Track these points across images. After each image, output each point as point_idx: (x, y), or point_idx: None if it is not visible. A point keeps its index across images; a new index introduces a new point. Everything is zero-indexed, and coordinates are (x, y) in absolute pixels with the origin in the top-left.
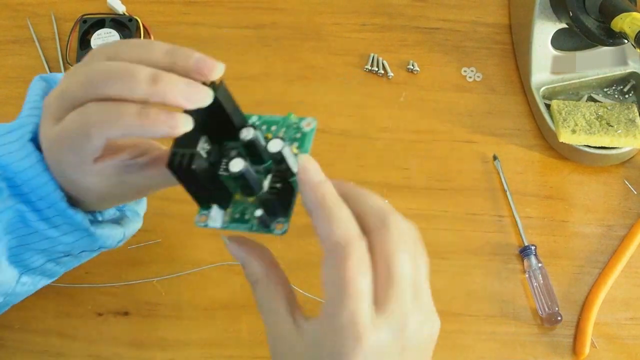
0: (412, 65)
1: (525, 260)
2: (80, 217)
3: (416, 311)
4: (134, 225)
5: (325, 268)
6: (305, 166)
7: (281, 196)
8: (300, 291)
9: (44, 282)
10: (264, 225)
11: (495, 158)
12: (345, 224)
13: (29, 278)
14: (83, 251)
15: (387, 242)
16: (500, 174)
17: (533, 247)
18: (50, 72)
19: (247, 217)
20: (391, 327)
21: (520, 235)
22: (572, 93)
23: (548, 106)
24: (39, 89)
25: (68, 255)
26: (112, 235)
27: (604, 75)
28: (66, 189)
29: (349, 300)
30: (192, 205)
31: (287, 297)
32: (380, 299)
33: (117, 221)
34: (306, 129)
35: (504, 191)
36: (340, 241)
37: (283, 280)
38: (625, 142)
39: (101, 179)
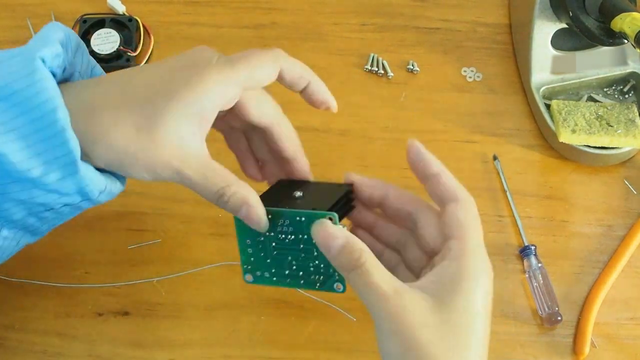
0: (412, 65)
1: (525, 260)
2: (74, 143)
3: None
4: (117, 184)
5: (459, 212)
6: None
7: None
8: (300, 291)
9: (26, 239)
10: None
11: (495, 158)
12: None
13: (10, 232)
14: (65, 205)
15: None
16: (500, 174)
17: (533, 247)
18: None
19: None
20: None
21: (521, 235)
22: (572, 93)
23: (548, 106)
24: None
25: (49, 210)
26: (96, 181)
27: (604, 75)
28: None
29: (478, 230)
30: (192, 206)
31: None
32: None
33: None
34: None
35: (504, 191)
36: (466, 193)
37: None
38: (625, 142)
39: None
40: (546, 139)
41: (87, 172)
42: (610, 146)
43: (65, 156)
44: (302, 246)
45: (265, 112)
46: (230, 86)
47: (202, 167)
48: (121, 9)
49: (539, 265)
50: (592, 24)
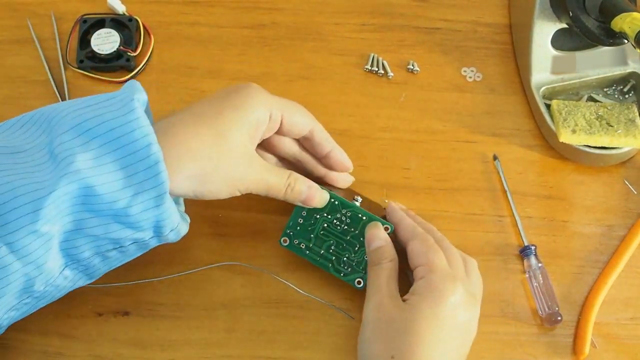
0: (412, 65)
1: (525, 260)
2: (165, 176)
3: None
4: (185, 225)
5: (416, 245)
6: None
7: None
8: (300, 291)
9: (82, 281)
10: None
11: (495, 158)
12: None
13: (71, 272)
14: (134, 242)
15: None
16: (500, 174)
17: (533, 247)
18: (51, 72)
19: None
20: (460, 282)
21: (521, 235)
22: (572, 93)
23: (548, 106)
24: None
25: (117, 248)
26: (173, 216)
27: (604, 75)
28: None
29: (438, 258)
30: (192, 206)
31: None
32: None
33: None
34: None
35: (504, 191)
36: (420, 232)
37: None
38: (625, 142)
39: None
40: (546, 139)
41: (170, 205)
42: (610, 146)
43: (155, 188)
44: (348, 238)
45: (301, 123)
46: (275, 109)
47: (268, 164)
48: (121, 9)
49: (539, 265)
50: (592, 24)
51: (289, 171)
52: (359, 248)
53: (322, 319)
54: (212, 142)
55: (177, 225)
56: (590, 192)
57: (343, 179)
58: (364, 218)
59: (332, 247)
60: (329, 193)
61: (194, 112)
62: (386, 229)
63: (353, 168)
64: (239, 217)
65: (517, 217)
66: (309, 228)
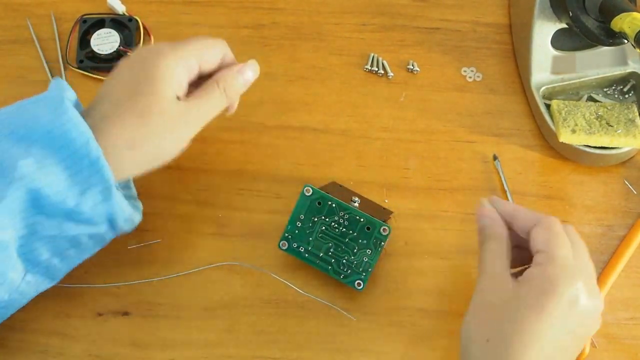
0: (412, 65)
1: None
2: (107, 170)
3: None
4: (137, 214)
5: (538, 231)
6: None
7: None
8: (300, 291)
9: (45, 284)
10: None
11: (495, 158)
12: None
13: (33, 277)
14: (90, 237)
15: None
16: (500, 174)
17: None
18: (51, 72)
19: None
20: (582, 279)
21: None
22: (572, 93)
23: (548, 106)
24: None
25: (74, 247)
26: (124, 207)
27: (604, 75)
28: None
29: (562, 248)
30: (192, 206)
31: (509, 259)
32: None
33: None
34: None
35: (504, 191)
36: (544, 217)
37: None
38: (625, 142)
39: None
40: (546, 139)
41: (118, 198)
42: (610, 146)
43: (101, 183)
44: (347, 240)
45: (214, 58)
46: (189, 62)
47: (194, 102)
48: (121, 9)
49: None
50: (592, 24)
51: (213, 83)
52: (357, 250)
53: (322, 319)
54: (140, 122)
55: (129, 215)
56: (590, 192)
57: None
58: (362, 220)
59: (331, 250)
60: (326, 196)
61: (112, 101)
62: (384, 230)
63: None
64: (239, 217)
65: None
66: (307, 231)
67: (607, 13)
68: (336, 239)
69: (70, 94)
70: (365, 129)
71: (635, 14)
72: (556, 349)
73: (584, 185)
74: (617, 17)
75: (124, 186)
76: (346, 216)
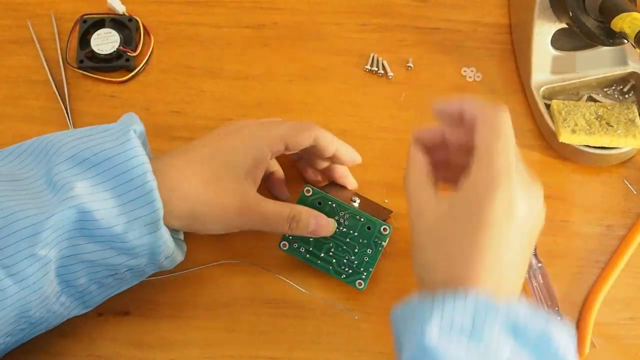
0: (412, 65)
1: None
2: (159, 204)
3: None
4: (180, 254)
5: (480, 128)
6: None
7: None
8: (301, 289)
9: (78, 310)
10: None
11: None
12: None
13: (67, 299)
14: (129, 269)
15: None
16: None
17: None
18: (50, 72)
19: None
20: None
21: None
22: (572, 93)
23: (548, 106)
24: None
25: (113, 275)
26: (168, 243)
27: (604, 75)
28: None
29: (504, 146)
30: None
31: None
32: None
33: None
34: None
35: None
36: (498, 108)
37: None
38: (625, 142)
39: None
40: (546, 139)
41: (164, 233)
42: (610, 146)
43: (150, 215)
44: (347, 240)
45: (304, 141)
46: (274, 144)
47: (265, 204)
48: (121, 9)
49: (539, 265)
50: (592, 24)
51: (290, 206)
52: (358, 250)
53: (322, 319)
54: (203, 187)
55: (172, 252)
56: (590, 192)
57: (350, 182)
58: (362, 220)
59: (332, 250)
60: (326, 196)
61: (188, 159)
62: (384, 229)
63: (361, 160)
64: None
65: None
66: None
67: (607, 13)
68: (337, 239)
69: (138, 127)
70: (365, 129)
71: (635, 14)
72: (510, 253)
73: (584, 185)
74: (617, 17)
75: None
76: (346, 216)
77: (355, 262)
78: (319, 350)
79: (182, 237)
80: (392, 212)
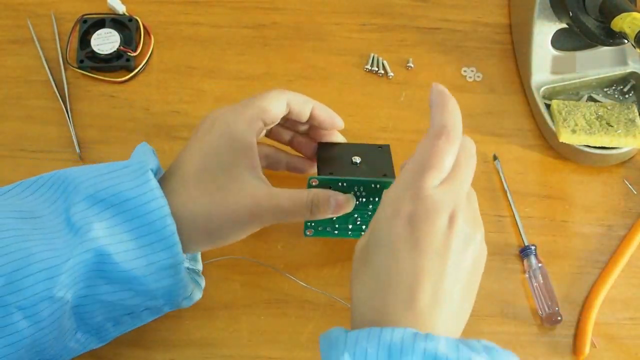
0: (412, 65)
1: (525, 261)
2: (179, 248)
3: (466, 207)
4: (198, 292)
5: (424, 139)
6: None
7: None
8: (302, 283)
9: (94, 344)
10: None
11: (495, 158)
12: (456, 120)
13: (83, 336)
14: (146, 308)
15: (467, 152)
16: (500, 173)
17: (533, 247)
18: (51, 72)
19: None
20: (449, 195)
21: (521, 235)
22: (572, 93)
23: (548, 106)
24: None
25: (129, 314)
26: (187, 285)
27: (604, 75)
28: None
29: (434, 159)
30: None
31: None
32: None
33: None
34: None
35: (504, 191)
36: (447, 125)
37: None
38: (625, 142)
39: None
40: (546, 139)
41: (184, 276)
42: (610, 146)
43: (170, 259)
44: (370, 206)
45: (278, 111)
46: (254, 124)
47: (278, 195)
48: (121, 9)
49: (539, 265)
50: (592, 24)
51: (305, 190)
52: None
53: (322, 319)
54: (209, 201)
55: (190, 293)
56: (590, 192)
57: (336, 137)
58: (377, 186)
59: (358, 219)
60: (333, 179)
61: (184, 177)
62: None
63: (343, 124)
64: None
65: (517, 217)
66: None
67: (607, 13)
68: (359, 210)
69: (153, 162)
70: (365, 129)
71: (635, 14)
72: (450, 285)
73: (584, 185)
74: (617, 17)
75: (191, 257)
76: (361, 187)
77: None
78: (319, 350)
79: (200, 267)
80: (388, 145)
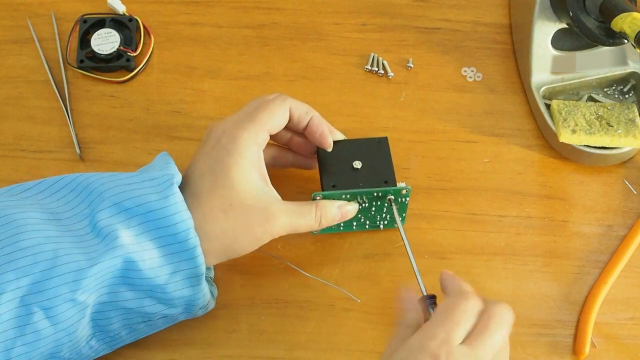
0: (412, 65)
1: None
2: (201, 260)
3: None
4: (212, 302)
5: (444, 300)
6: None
7: None
8: (306, 274)
9: (104, 351)
10: None
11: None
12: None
13: (97, 343)
14: (164, 317)
15: (495, 317)
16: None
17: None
18: (51, 72)
19: None
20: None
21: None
22: (572, 93)
23: (548, 106)
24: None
25: (146, 322)
26: (206, 295)
27: (604, 75)
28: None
29: (450, 324)
30: None
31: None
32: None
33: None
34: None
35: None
36: (466, 290)
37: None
38: (625, 142)
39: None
40: (546, 139)
41: (204, 287)
42: (610, 146)
43: (193, 269)
44: (373, 210)
45: (281, 122)
46: (259, 136)
47: (287, 210)
48: (121, 9)
49: None
50: (592, 24)
51: (314, 203)
52: (386, 209)
53: (322, 319)
54: (223, 217)
55: (207, 303)
56: (590, 192)
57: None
58: (380, 194)
59: (362, 217)
60: (336, 193)
61: (195, 195)
62: (404, 191)
63: (332, 147)
64: None
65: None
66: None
67: (607, 13)
68: (363, 212)
69: (178, 176)
70: (365, 129)
71: (635, 14)
72: None
73: (584, 185)
74: (617, 17)
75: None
76: (364, 197)
77: (387, 216)
78: (319, 350)
79: (212, 274)
80: (386, 137)
